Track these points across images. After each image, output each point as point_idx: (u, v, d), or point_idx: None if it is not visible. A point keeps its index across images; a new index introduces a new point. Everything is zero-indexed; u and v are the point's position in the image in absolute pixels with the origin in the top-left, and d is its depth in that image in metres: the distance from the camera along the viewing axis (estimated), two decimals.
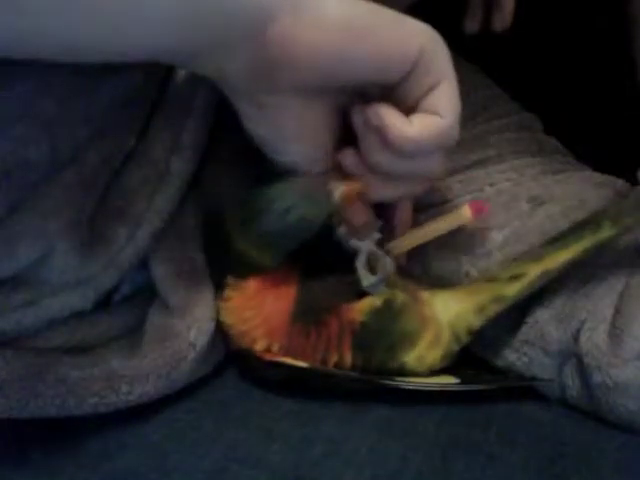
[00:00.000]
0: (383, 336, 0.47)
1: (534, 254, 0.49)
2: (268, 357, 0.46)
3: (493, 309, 0.48)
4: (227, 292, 0.48)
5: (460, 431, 0.46)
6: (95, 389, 0.44)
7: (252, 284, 0.47)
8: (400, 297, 0.48)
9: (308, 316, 0.47)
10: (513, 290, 0.48)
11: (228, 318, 0.48)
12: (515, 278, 0.48)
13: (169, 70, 0.47)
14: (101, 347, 0.47)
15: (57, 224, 0.43)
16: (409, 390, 0.47)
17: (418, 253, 0.55)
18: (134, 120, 0.46)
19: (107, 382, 0.44)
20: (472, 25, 0.59)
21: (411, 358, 0.47)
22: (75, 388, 0.43)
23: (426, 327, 0.48)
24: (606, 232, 0.47)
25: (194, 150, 0.47)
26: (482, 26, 0.59)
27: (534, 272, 0.48)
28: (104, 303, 0.49)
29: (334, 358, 0.47)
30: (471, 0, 0.58)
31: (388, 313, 0.47)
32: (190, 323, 0.47)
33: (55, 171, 0.43)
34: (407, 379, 0.47)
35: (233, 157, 0.52)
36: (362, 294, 0.48)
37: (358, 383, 0.47)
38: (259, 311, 0.47)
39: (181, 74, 0.46)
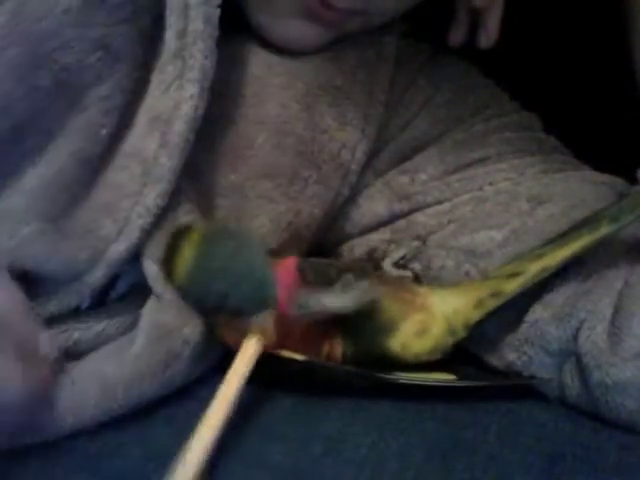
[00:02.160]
0: (365, 322, 0.47)
1: (534, 254, 0.48)
2: (265, 352, 0.46)
3: (491, 304, 0.48)
4: None
5: (460, 431, 0.46)
6: (92, 402, 0.43)
7: None
8: (382, 288, 0.48)
9: (308, 312, 0.47)
10: (512, 286, 0.48)
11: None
12: (514, 275, 0.48)
13: (150, 65, 0.47)
14: (96, 351, 0.47)
15: (28, 228, 0.43)
16: (407, 385, 0.47)
17: (419, 252, 0.55)
18: (103, 113, 0.45)
19: (102, 391, 0.44)
20: (456, 38, 0.59)
21: (395, 344, 0.47)
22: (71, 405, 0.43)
23: (410, 314, 0.47)
24: (604, 229, 0.47)
25: (183, 144, 0.47)
26: (468, 39, 0.58)
27: (533, 269, 0.48)
28: (100, 303, 0.49)
29: (326, 348, 0.47)
30: (457, 12, 0.58)
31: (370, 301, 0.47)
32: (183, 320, 0.47)
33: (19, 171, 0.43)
34: (405, 374, 0.47)
35: (225, 150, 0.52)
36: None
37: (356, 377, 0.47)
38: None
39: (167, 67, 0.46)
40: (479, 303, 0.48)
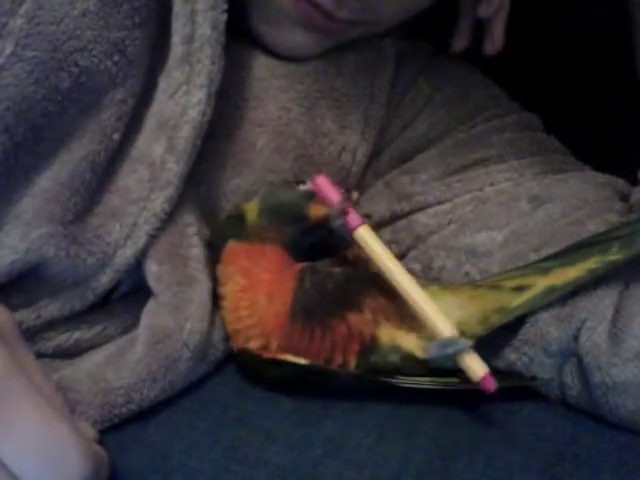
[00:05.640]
0: (394, 352, 0.47)
1: (540, 267, 0.48)
2: (266, 355, 0.46)
3: (496, 319, 0.48)
4: (223, 288, 0.49)
5: (460, 431, 0.46)
6: (95, 412, 0.43)
7: (245, 283, 0.48)
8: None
9: (310, 317, 0.47)
10: (517, 301, 0.47)
11: (224, 316, 0.48)
12: (520, 289, 0.47)
13: (156, 70, 0.47)
14: (96, 351, 0.47)
15: (39, 231, 0.43)
16: (409, 389, 0.47)
17: (418, 252, 0.55)
18: (117, 118, 0.46)
19: (104, 399, 0.44)
20: (459, 44, 0.59)
21: (421, 369, 0.47)
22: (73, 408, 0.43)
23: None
24: (614, 255, 0.46)
25: (190, 149, 0.47)
26: (471, 44, 0.59)
27: (540, 285, 0.47)
28: (102, 304, 0.49)
29: (338, 361, 0.47)
30: (460, 19, 0.58)
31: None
32: (182, 322, 0.47)
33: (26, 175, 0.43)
34: (407, 378, 0.47)
35: (227, 153, 0.52)
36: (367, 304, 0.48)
37: (358, 381, 0.47)
38: (252, 312, 0.47)
39: (173, 72, 0.47)
40: (484, 318, 0.47)
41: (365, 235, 0.48)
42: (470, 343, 0.45)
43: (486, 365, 0.45)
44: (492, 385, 0.45)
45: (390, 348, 0.47)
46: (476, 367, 0.45)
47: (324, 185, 0.48)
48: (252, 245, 0.49)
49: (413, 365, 0.47)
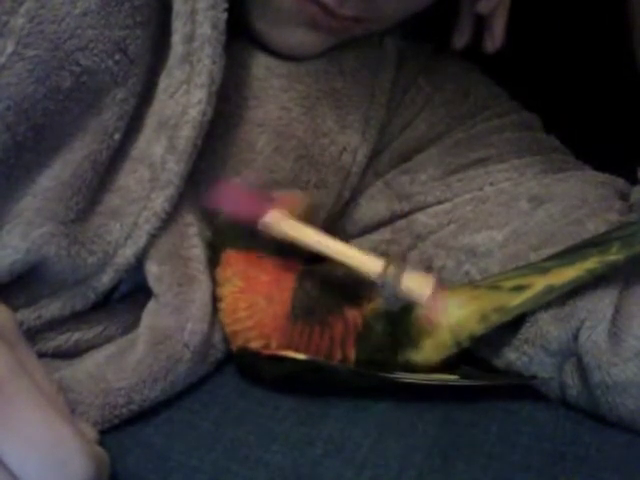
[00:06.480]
0: (386, 337, 0.47)
1: (539, 267, 0.48)
2: (266, 352, 0.46)
3: (495, 319, 0.47)
4: (221, 290, 0.48)
5: (460, 431, 0.46)
6: (95, 413, 0.44)
7: (243, 285, 0.48)
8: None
9: (310, 317, 0.47)
10: (516, 301, 0.47)
11: (222, 318, 0.48)
12: (519, 289, 0.47)
13: (156, 69, 0.47)
14: (96, 351, 0.47)
15: (40, 230, 0.43)
16: (408, 385, 0.47)
17: (418, 252, 0.55)
18: (118, 117, 0.45)
19: (105, 399, 0.44)
20: (459, 41, 0.59)
21: (418, 358, 0.47)
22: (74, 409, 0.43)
23: (432, 330, 0.47)
24: (614, 255, 0.46)
25: (191, 149, 0.47)
26: (472, 41, 0.58)
27: (539, 285, 0.47)
28: (103, 304, 0.49)
29: (338, 356, 0.47)
30: (460, 16, 0.58)
31: (390, 315, 0.47)
32: (183, 323, 0.47)
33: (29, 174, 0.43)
34: (407, 374, 0.47)
35: (227, 153, 0.52)
36: (364, 295, 0.48)
37: (358, 377, 0.47)
38: (252, 313, 0.47)
39: (174, 72, 0.47)
40: (483, 318, 0.47)
41: (272, 220, 0.46)
42: (396, 271, 0.44)
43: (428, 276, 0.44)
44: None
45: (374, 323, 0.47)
46: (418, 287, 0.44)
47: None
48: (250, 250, 0.49)
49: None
